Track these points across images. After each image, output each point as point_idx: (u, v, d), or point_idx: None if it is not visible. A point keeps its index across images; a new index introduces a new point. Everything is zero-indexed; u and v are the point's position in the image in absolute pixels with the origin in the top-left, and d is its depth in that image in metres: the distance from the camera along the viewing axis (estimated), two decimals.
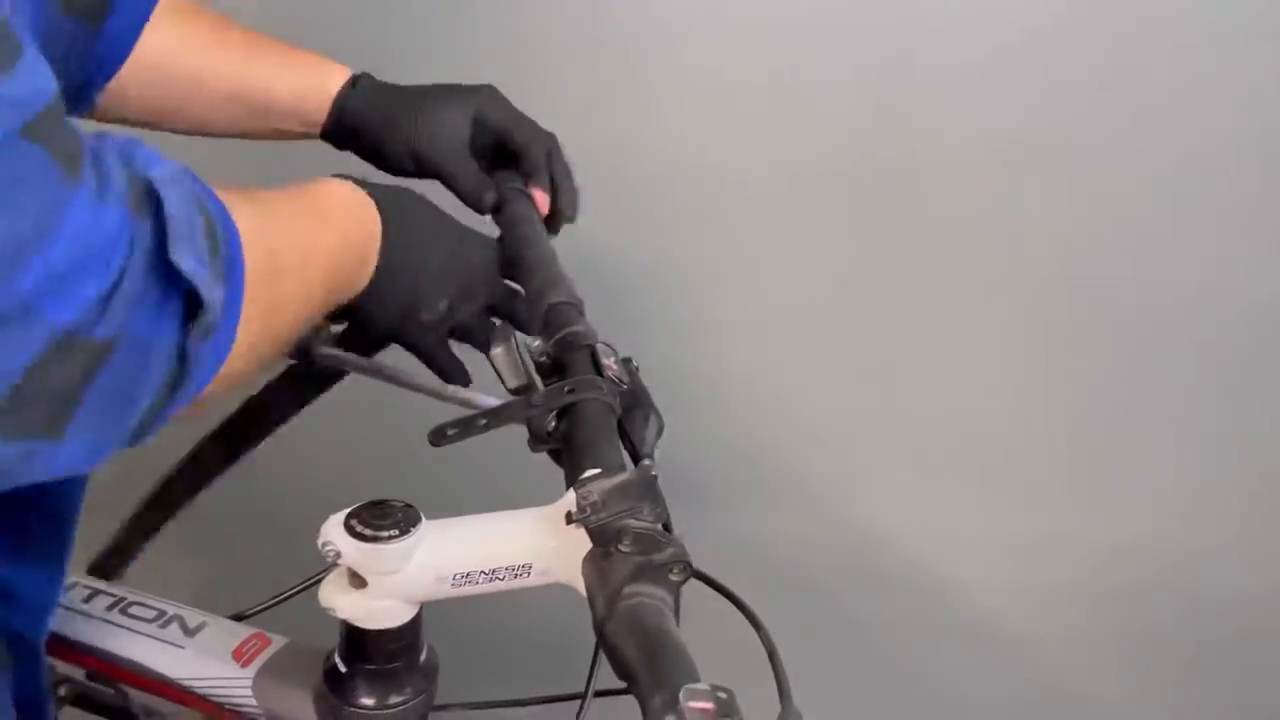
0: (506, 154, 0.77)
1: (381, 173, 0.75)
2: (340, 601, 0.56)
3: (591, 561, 0.49)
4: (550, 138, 0.78)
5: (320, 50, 1.07)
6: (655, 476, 0.51)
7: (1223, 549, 1.16)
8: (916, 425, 1.16)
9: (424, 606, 0.59)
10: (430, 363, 0.67)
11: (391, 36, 1.09)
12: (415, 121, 0.73)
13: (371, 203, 0.61)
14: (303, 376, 0.72)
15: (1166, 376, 1.10)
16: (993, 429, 1.15)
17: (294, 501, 0.87)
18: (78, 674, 0.72)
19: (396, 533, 0.54)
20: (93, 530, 0.77)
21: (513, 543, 0.55)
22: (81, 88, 0.65)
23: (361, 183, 0.62)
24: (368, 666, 0.59)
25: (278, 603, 0.72)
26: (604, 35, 1.06)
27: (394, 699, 0.59)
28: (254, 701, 0.65)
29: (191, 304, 0.42)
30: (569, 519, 0.50)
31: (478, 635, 0.98)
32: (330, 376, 0.73)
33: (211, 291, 0.42)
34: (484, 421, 0.58)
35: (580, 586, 0.51)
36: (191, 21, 0.72)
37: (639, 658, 0.43)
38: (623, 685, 0.44)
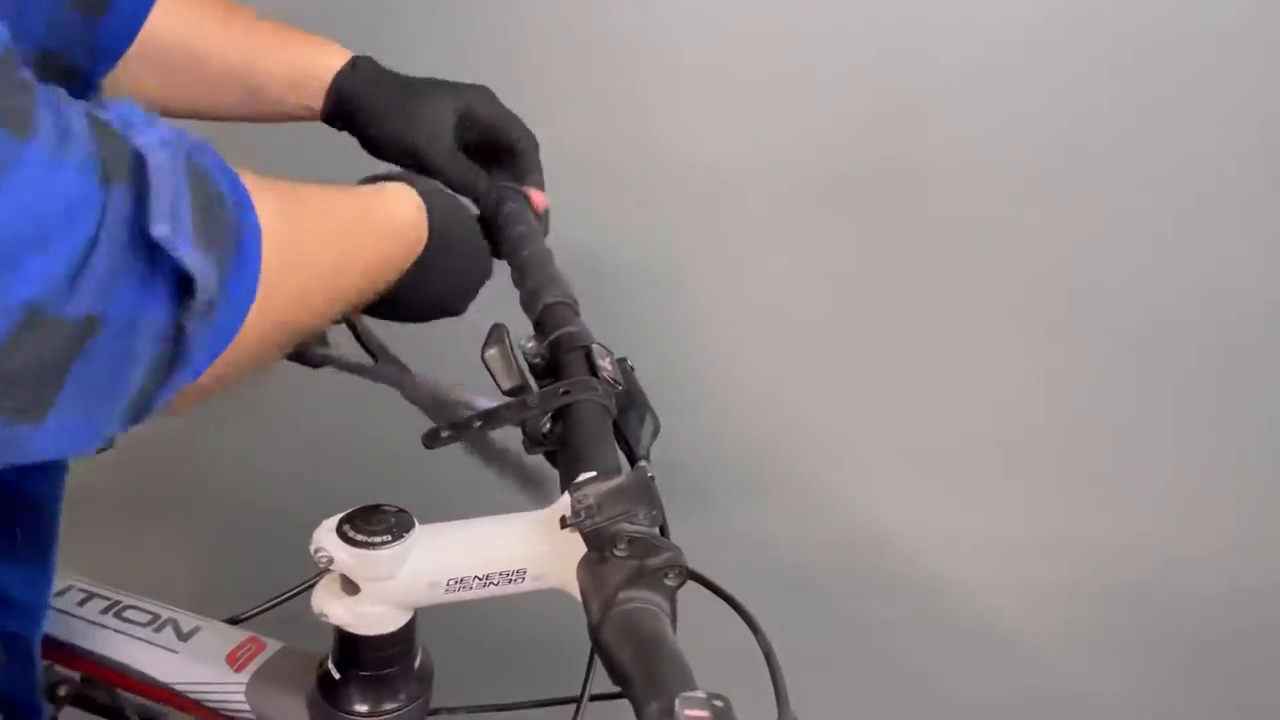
0: (493, 153, 0.77)
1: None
2: (333, 607, 0.56)
3: (586, 566, 0.49)
4: (535, 139, 0.79)
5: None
6: (651, 478, 0.51)
7: (1222, 549, 1.16)
8: (915, 425, 1.16)
9: (418, 611, 0.58)
10: None
11: (391, 36, 1.09)
12: (408, 112, 0.74)
13: (425, 221, 0.62)
14: None
15: (1166, 377, 1.10)
16: (992, 429, 1.15)
17: (292, 503, 0.86)
18: (76, 675, 0.72)
19: (389, 538, 0.53)
20: (88, 531, 0.77)
21: (507, 547, 0.54)
22: (88, 74, 0.64)
23: (422, 191, 0.63)
24: (361, 673, 0.58)
25: (272, 606, 0.72)
26: (602, 35, 1.06)
27: (388, 705, 0.59)
28: (247, 707, 0.65)
29: (187, 282, 0.39)
30: (564, 523, 0.49)
31: (472, 638, 0.98)
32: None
33: (201, 267, 0.39)
34: (478, 423, 0.58)
35: (575, 591, 0.50)
36: (200, 8, 0.73)
37: (634, 664, 0.43)
38: (619, 689, 0.44)
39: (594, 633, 0.46)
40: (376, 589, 0.55)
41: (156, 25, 0.68)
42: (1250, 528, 1.15)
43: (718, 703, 0.39)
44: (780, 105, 1.05)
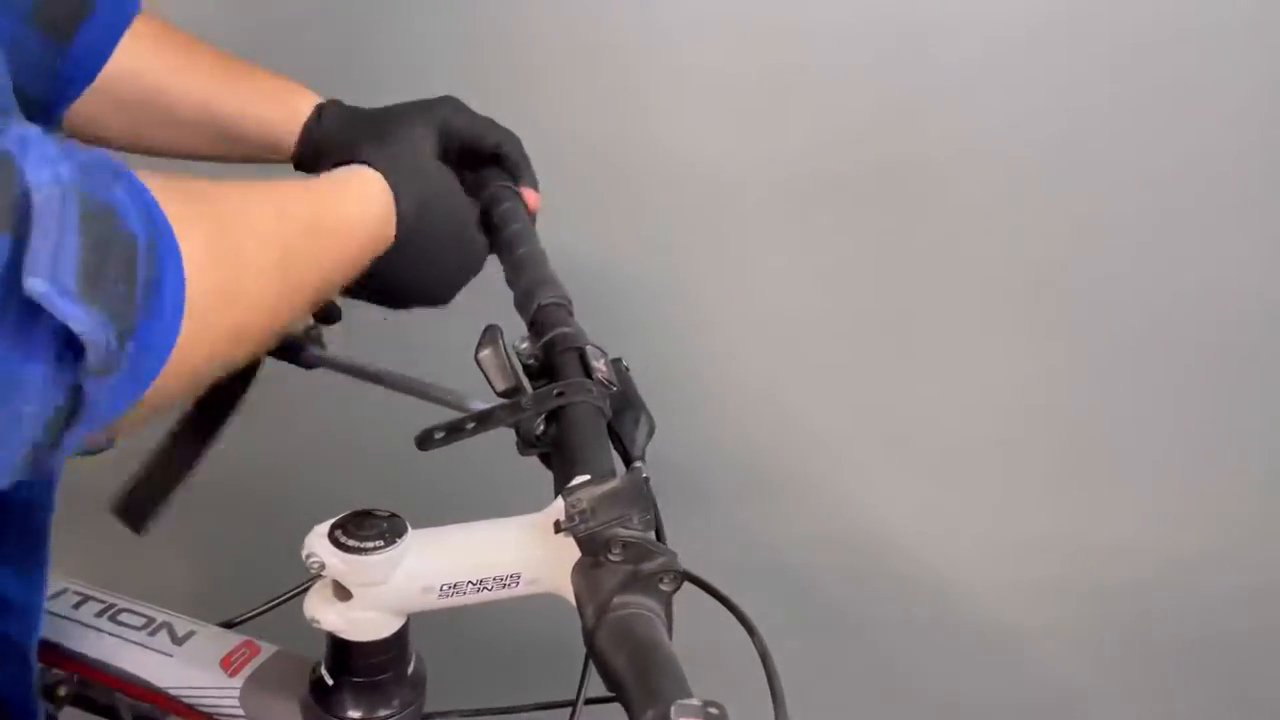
0: (480, 158, 0.76)
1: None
2: (325, 613, 0.55)
3: (581, 571, 0.49)
4: (517, 137, 0.78)
5: (320, 48, 1.07)
6: (647, 479, 0.50)
7: (1221, 548, 1.16)
8: (915, 425, 1.16)
9: (411, 616, 0.58)
10: None
11: (391, 37, 1.09)
12: (380, 142, 0.70)
13: (393, 211, 0.61)
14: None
15: (1166, 377, 1.10)
16: (992, 429, 1.15)
17: (286, 507, 0.86)
18: (73, 677, 0.72)
19: (381, 543, 0.53)
20: (83, 534, 0.76)
21: (500, 552, 0.54)
22: (48, 105, 0.63)
23: (394, 178, 0.61)
24: (354, 679, 0.58)
25: (266, 610, 0.72)
26: (602, 36, 1.06)
27: (381, 711, 0.58)
28: (241, 711, 0.65)
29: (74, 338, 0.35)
30: (558, 528, 0.49)
31: (467, 641, 0.97)
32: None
33: (88, 323, 0.35)
34: (472, 425, 0.57)
35: (570, 596, 0.50)
36: (162, 43, 0.71)
37: (629, 670, 0.43)
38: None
39: (588, 638, 0.46)
40: (369, 595, 0.54)
41: (122, 60, 0.67)
42: (1250, 527, 1.15)
43: (713, 710, 0.39)
44: (780, 105, 1.05)
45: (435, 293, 0.69)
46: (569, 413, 0.57)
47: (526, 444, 0.58)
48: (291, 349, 0.75)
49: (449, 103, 0.76)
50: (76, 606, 0.72)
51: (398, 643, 0.57)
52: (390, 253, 0.62)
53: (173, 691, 0.66)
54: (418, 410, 0.66)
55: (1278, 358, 1.08)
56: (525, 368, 0.62)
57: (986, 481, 1.17)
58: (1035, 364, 1.11)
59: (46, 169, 0.35)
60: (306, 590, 0.57)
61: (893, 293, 1.10)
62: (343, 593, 0.55)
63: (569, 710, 0.60)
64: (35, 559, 0.64)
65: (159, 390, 0.40)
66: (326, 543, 0.53)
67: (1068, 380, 1.12)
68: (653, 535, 0.49)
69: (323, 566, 0.53)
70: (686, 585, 0.48)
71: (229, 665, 0.66)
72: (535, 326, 0.64)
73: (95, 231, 0.35)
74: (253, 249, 0.47)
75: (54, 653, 0.70)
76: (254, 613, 0.72)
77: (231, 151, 0.75)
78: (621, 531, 0.47)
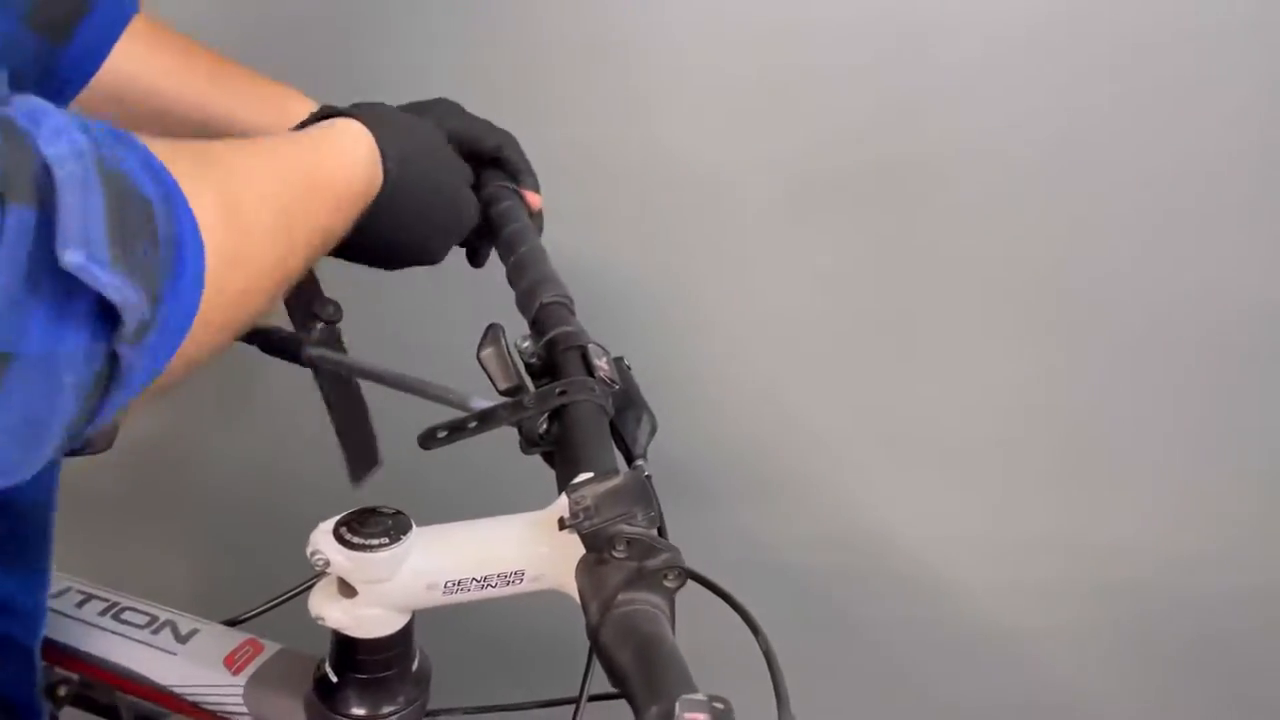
0: (479, 159, 0.76)
1: None
2: (330, 610, 0.55)
3: (585, 567, 0.49)
4: (514, 138, 0.78)
5: (320, 49, 1.07)
6: (649, 478, 0.51)
7: (1221, 548, 1.16)
8: (915, 425, 1.16)
9: (416, 613, 0.58)
10: None
11: (391, 37, 1.09)
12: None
13: (379, 164, 0.61)
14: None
15: (1165, 376, 1.10)
16: (992, 429, 1.15)
17: (290, 504, 0.86)
18: (75, 676, 0.72)
19: (386, 540, 0.53)
20: (87, 532, 0.77)
21: (505, 549, 0.54)
22: None
23: (378, 129, 0.61)
24: (359, 676, 0.58)
25: (270, 608, 0.72)
26: (602, 37, 1.06)
27: (386, 708, 0.58)
28: (245, 709, 0.65)
29: (110, 307, 0.35)
30: (561, 525, 0.49)
31: (471, 638, 0.98)
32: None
33: (124, 291, 0.35)
34: (474, 424, 0.57)
35: (574, 592, 0.50)
36: (157, 45, 0.71)
37: (633, 666, 0.43)
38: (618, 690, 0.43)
39: (593, 635, 0.46)
40: (374, 592, 0.54)
41: (117, 62, 0.67)
42: (1249, 527, 1.15)
43: (718, 705, 0.39)
44: (780, 105, 1.05)
45: (424, 249, 0.69)
46: (571, 411, 0.57)
47: (529, 443, 0.58)
48: (291, 349, 0.75)
49: (443, 104, 0.76)
50: (80, 605, 0.72)
51: (402, 640, 0.57)
52: (377, 206, 0.61)
53: (176, 690, 0.66)
54: (420, 409, 0.66)
55: (1278, 358, 1.08)
56: (527, 366, 0.62)
57: (986, 481, 1.17)
58: (1035, 364, 1.12)
59: (62, 141, 0.35)
60: (310, 588, 0.57)
61: (893, 293, 1.11)
62: (347, 590, 0.55)
63: (573, 707, 0.60)
64: (38, 561, 0.64)
65: (181, 357, 0.41)
66: (331, 540, 0.53)
67: (1068, 380, 1.12)
68: (656, 532, 0.49)
69: (327, 563, 0.53)
70: (689, 584, 0.48)
71: (233, 663, 0.66)
72: (537, 325, 0.64)
73: (116, 199, 0.35)
74: (256, 208, 0.47)
75: (57, 651, 0.70)
76: (257, 610, 0.72)
77: None
78: (625, 528, 0.47)
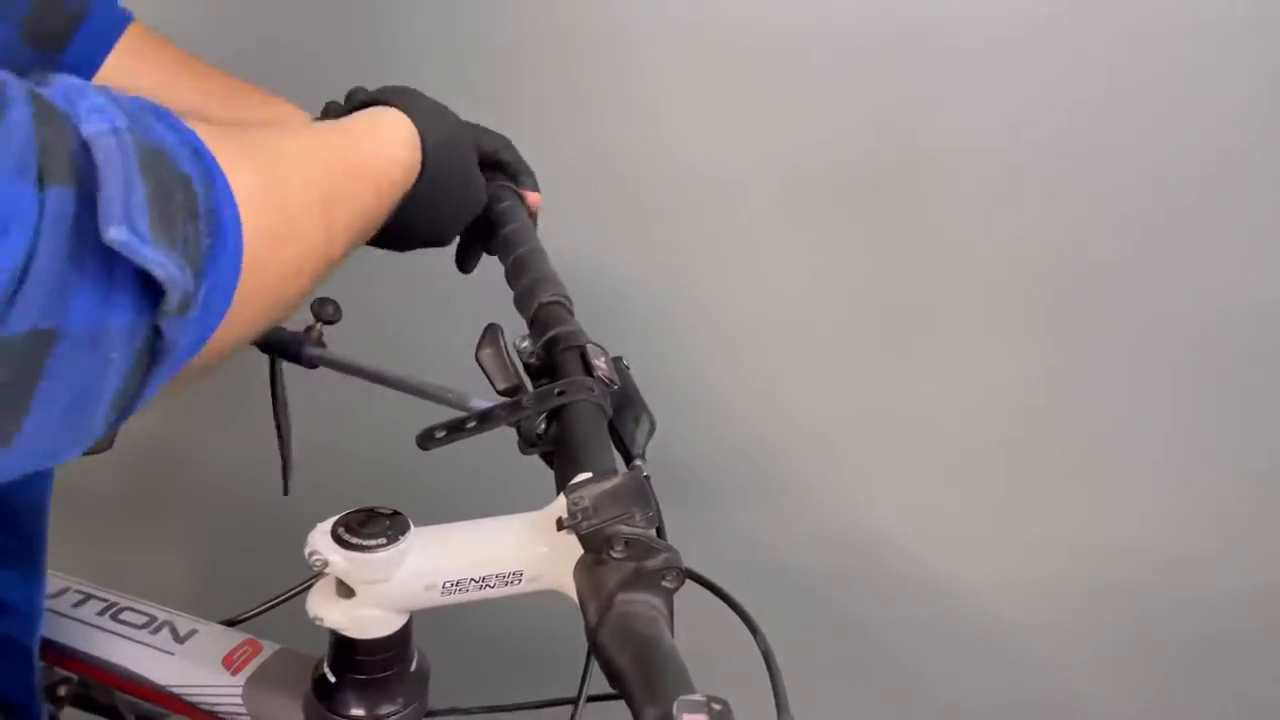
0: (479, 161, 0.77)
1: None
2: (328, 611, 0.55)
3: (583, 568, 0.48)
4: (508, 139, 0.78)
5: (320, 49, 1.07)
6: (647, 478, 0.50)
7: (1221, 548, 1.16)
8: (915, 425, 1.16)
9: (414, 613, 0.58)
10: None
11: (392, 37, 1.09)
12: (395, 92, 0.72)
13: (419, 150, 0.61)
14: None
15: (1165, 376, 1.10)
16: (992, 429, 1.15)
17: (288, 505, 0.86)
18: (74, 676, 0.72)
19: (384, 541, 0.53)
20: (85, 532, 0.77)
21: (503, 550, 0.54)
22: None
23: (416, 116, 0.62)
24: (357, 676, 0.58)
25: (268, 608, 0.72)
26: (603, 37, 1.06)
27: (384, 709, 0.58)
28: (244, 709, 0.65)
29: (153, 282, 0.35)
30: (560, 525, 0.49)
31: (469, 639, 0.98)
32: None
33: (167, 266, 0.35)
34: (472, 424, 0.57)
35: (572, 593, 0.50)
36: (151, 58, 0.71)
37: (632, 667, 0.43)
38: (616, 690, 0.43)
39: (591, 635, 0.45)
40: (372, 592, 0.54)
41: (110, 75, 0.67)
42: (1249, 527, 1.15)
43: (716, 705, 0.39)
44: (780, 105, 1.05)
45: (444, 230, 0.70)
46: (570, 411, 0.57)
47: (528, 443, 0.58)
48: (292, 349, 0.75)
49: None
50: (78, 605, 0.72)
51: (400, 640, 0.57)
52: (414, 191, 0.62)
53: (175, 690, 0.66)
54: (419, 409, 0.66)
55: (1278, 358, 1.08)
56: (526, 366, 0.62)
57: (986, 481, 1.17)
58: (1035, 364, 1.12)
59: (100, 119, 0.35)
60: (309, 588, 0.57)
61: (892, 292, 1.11)
62: (346, 590, 0.55)
63: (571, 707, 0.60)
64: (34, 561, 0.64)
65: (221, 335, 0.41)
66: (330, 540, 0.53)
67: (1068, 380, 1.12)
68: (654, 533, 0.49)
69: (326, 564, 0.53)
70: (688, 584, 0.48)
71: (231, 663, 0.66)
72: (536, 325, 0.64)
73: (155, 175, 0.36)
74: (298, 188, 0.47)
75: (55, 652, 0.70)
76: (256, 611, 0.72)
77: None
78: (624, 529, 0.47)
